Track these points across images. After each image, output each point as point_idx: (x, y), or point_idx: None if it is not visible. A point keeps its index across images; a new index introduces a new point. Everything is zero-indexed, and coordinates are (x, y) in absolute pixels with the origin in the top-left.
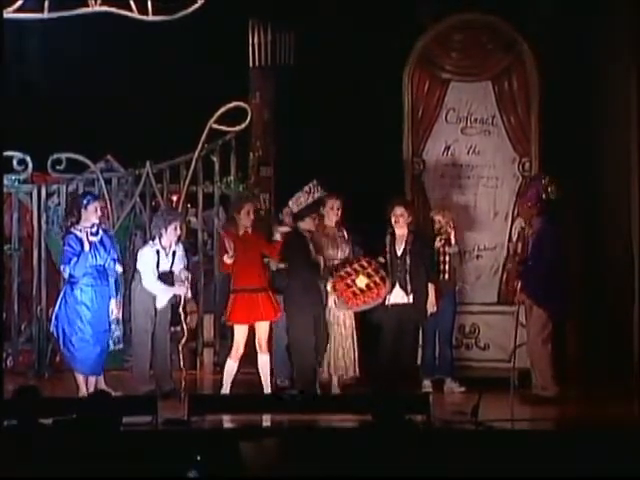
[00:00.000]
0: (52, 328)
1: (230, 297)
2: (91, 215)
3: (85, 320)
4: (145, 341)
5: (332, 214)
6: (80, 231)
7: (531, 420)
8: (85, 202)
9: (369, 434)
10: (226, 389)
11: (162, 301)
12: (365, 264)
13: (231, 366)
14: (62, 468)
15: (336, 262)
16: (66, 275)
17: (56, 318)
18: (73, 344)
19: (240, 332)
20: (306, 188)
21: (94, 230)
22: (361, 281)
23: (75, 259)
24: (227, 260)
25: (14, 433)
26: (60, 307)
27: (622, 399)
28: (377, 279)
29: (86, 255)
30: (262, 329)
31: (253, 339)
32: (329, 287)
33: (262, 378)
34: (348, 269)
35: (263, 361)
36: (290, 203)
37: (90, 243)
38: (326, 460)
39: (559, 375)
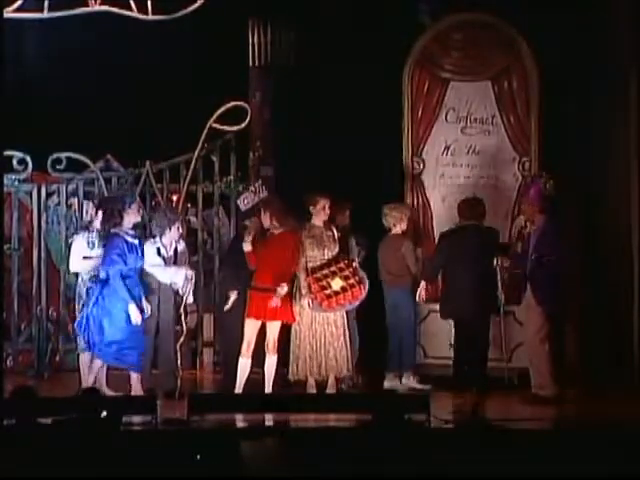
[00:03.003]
0: (79, 330)
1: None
2: (132, 216)
3: (119, 322)
4: (148, 339)
5: (323, 214)
6: (125, 233)
7: (530, 420)
8: (128, 203)
9: (369, 434)
10: (239, 387)
11: (178, 282)
12: (343, 266)
13: (243, 364)
14: (62, 468)
15: (317, 263)
16: (103, 276)
17: (86, 320)
18: (100, 342)
19: (250, 328)
20: (252, 188)
21: (134, 232)
22: (337, 283)
23: (119, 260)
24: (245, 247)
25: (11, 433)
26: (93, 307)
27: (622, 399)
28: (353, 281)
29: (130, 257)
30: (272, 330)
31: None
32: (304, 289)
33: (266, 378)
34: (325, 271)
35: (269, 362)
36: (238, 202)
37: (132, 245)
38: (326, 460)
39: (558, 374)
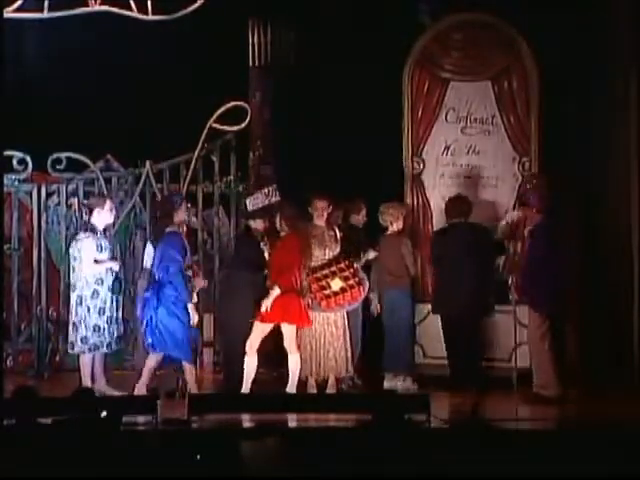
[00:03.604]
0: (149, 336)
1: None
2: (182, 214)
3: (185, 319)
4: None
5: (320, 215)
6: (180, 231)
7: (531, 420)
8: (179, 201)
9: (369, 434)
10: (247, 387)
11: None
12: (343, 267)
13: (250, 362)
14: (62, 468)
15: (318, 263)
16: (160, 275)
17: (154, 323)
18: (175, 343)
19: (258, 329)
20: (265, 190)
21: (183, 230)
22: (336, 284)
23: (180, 258)
24: (267, 255)
25: (11, 433)
26: (157, 308)
27: (622, 399)
28: (353, 282)
29: (185, 254)
30: (287, 332)
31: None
32: (305, 288)
33: (290, 377)
34: (325, 271)
35: (292, 361)
36: (247, 201)
37: (184, 242)
38: (326, 460)
39: (560, 375)
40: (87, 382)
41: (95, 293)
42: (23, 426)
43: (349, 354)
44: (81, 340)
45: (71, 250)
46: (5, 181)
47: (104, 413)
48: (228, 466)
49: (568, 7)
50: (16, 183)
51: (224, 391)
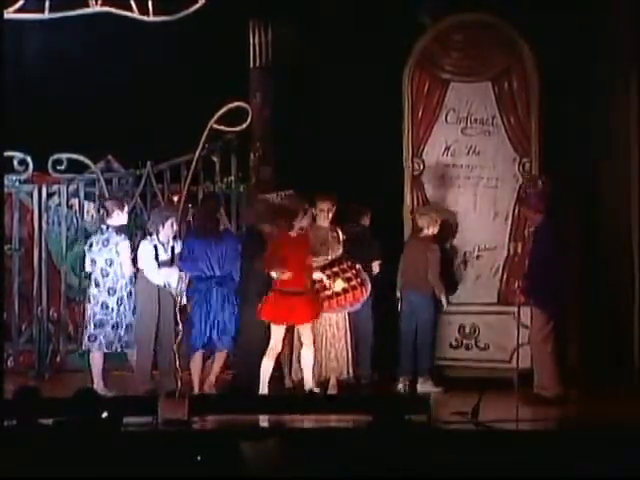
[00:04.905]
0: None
1: (268, 295)
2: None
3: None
4: (148, 340)
5: (323, 216)
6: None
7: (531, 420)
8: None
9: (369, 434)
10: (263, 389)
11: (172, 283)
12: (346, 267)
13: (266, 365)
14: (62, 468)
15: (320, 264)
16: (227, 272)
17: (215, 318)
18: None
19: (277, 331)
20: (281, 194)
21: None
22: (338, 285)
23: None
24: (282, 276)
25: (12, 433)
26: (224, 306)
27: (622, 399)
28: (355, 283)
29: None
30: (303, 329)
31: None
32: None
33: (304, 373)
34: (328, 272)
35: (307, 355)
36: (259, 197)
37: None
38: (326, 460)
39: (561, 375)
40: (97, 382)
41: (130, 293)
42: (24, 426)
43: (350, 355)
44: (119, 339)
45: (102, 253)
46: (6, 182)
47: (105, 414)
48: (228, 466)
49: (568, 7)
50: (17, 184)
51: (227, 391)
